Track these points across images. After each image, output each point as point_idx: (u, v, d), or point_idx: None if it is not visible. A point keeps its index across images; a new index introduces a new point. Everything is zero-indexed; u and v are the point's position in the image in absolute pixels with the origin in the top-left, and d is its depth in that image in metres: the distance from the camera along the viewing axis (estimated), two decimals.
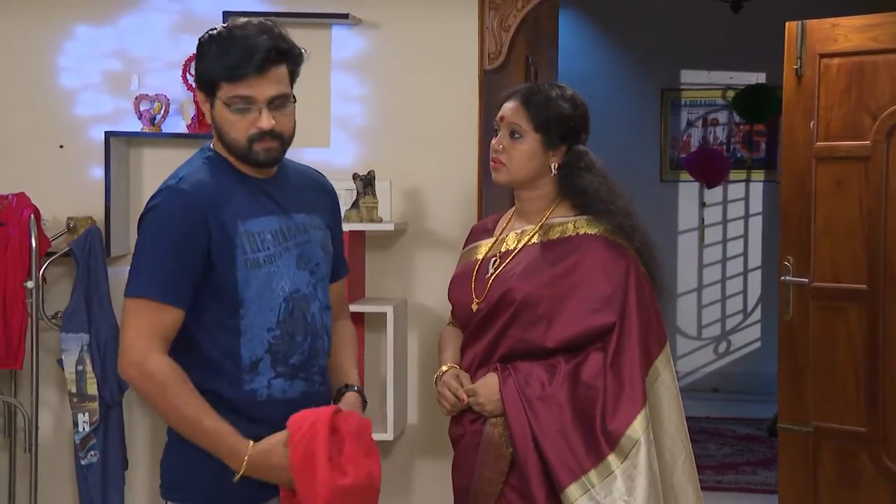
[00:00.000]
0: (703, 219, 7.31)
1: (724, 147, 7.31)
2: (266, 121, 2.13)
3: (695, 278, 7.35)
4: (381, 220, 3.36)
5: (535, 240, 2.53)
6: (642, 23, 7.02)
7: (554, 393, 2.36)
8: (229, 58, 2.11)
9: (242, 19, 2.21)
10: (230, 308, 2.15)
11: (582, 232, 2.48)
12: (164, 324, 2.11)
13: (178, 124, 3.62)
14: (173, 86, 3.60)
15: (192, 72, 2.23)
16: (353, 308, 3.34)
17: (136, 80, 3.64)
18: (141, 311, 2.12)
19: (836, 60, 4.04)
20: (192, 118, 3.57)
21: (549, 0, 3.48)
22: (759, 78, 6.96)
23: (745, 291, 7.34)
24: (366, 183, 3.36)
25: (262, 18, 2.22)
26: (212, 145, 2.26)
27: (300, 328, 2.21)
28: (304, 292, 2.22)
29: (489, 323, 2.49)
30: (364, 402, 2.34)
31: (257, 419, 2.15)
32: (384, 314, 3.33)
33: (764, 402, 6.48)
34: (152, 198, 2.20)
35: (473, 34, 3.47)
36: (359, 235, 3.42)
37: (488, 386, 2.43)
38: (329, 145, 3.55)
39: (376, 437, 3.27)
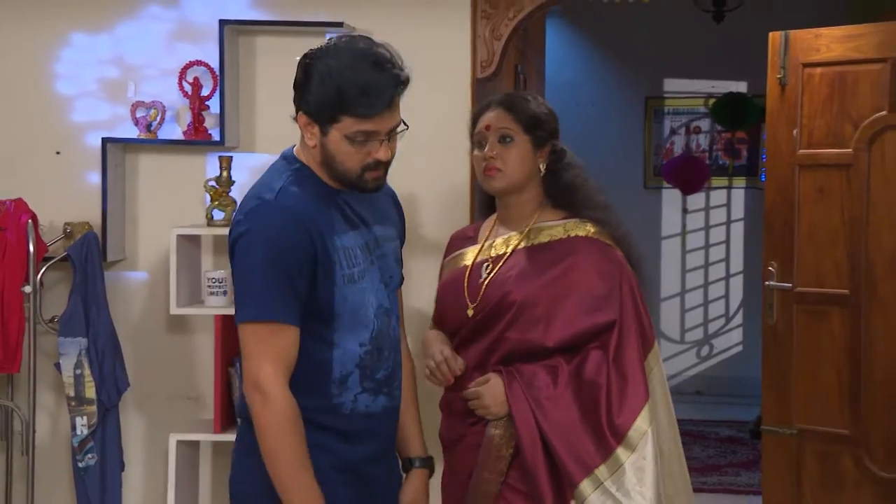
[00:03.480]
0: (685, 225, 7.40)
1: (707, 154, 7.39)
2: (384, 152, 2.09)
3: (678, 283, 7.43)
4: None
5: (525, 244, 2.57)
6: (627, 32, 7.09)
7: (560, 392, 2.41)
8: (358, 93, 2.02)
9: (346, 38, 2.11)
10: (324, 322, 2.10)
11: (573, 234, 2.55)
12: (286, 346, 2.06)
13: (174, 131, 3.66)
14: (169, 93, 3.64)
15: (298, 92, 2.11)
16: None
17: (132, 87, 3.68)
18: (260, 334, 2.05)
19: (818, 70, 4.11)
20: (188, 125, 3.61)
21: (539, 9, 3.53)
22: (740, 87, 7.05)
23: (727, 296, 7.43)
24: None
25: (367, 38, 2.12)
26: (294, 152, 2.18)
27: (386, 343, 2.20)
28: (386, 306, 2.20)
29: (486, 326, 2.53)
30: (431, 472, 2.35)
31: (340, 431, 2.14)
32: None
33: (746, 405, 6.57)
34: (247, 214, 2.09)
35: (466, 43, 3.52)
36: None
37: (493, 388, 2.46)
38: None
39: None
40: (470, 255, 2.65)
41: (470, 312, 2.54)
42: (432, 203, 3.57)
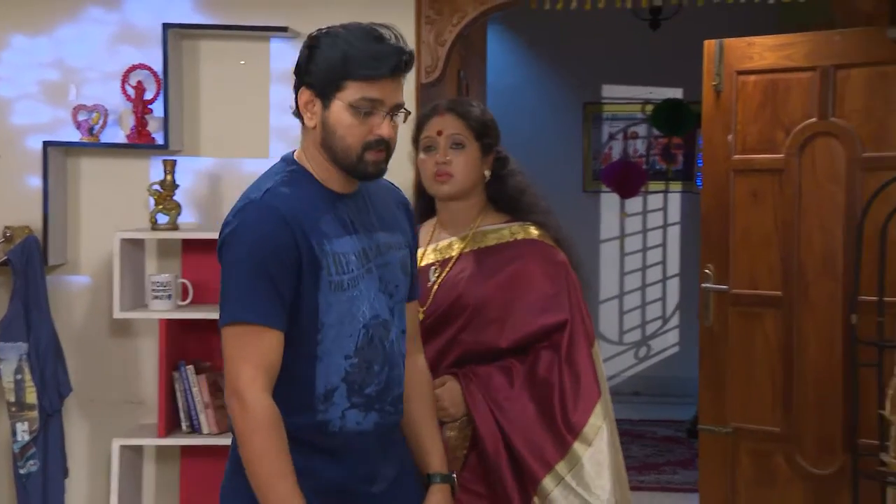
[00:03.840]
0: (624, 228, 7.51)
1: (644, 159, 7.51)
2: (387, 128, 1.99)
3: (616, 285, 7.53)
4: None
5: (471, 247, 2.60)
6: (566, 39, 7.17)
7: (517, 392, 2.45)
8: (364, 56, 1.96)
9: (353, 23, 2.06)
10: (308, 332, 1.99)
11: (519, 237, 2.59)
12: (266, 350, 1.94)
13: (116, 134, 3.64)
14: (112, 96, 3.63)
15: (301, 69, 2.03)
16: None
17: (73, 90, 3.66)
18: (240, 337, 1.95)
19: (752, 77, 4.22)
20: (132, 128, 3.60)
21: (483, 16, 3.58)
22: (676, 93, 7.18)
23: (664, 298, 7.55)
24: None
25: (371, 23, 2.06)
26: (295, 156, 2.09)
27: (378, 357, 2.05)
28: (383, 318, 2.06)
29: (438, 329, 2.54)
30: (453, 490, 2.23)
31: (327, 450, 2.03)
32: None
33: (683, 405, 6.70)
34: (234, 213, 2.00)
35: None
36: None
37: (451, 391, 2.47)
38: (269, 156, 3.60)
39: None
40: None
41: (420, 316, 2.53)
42: None
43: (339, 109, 1.98)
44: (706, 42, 4.28)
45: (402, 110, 2.05)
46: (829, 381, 3.88)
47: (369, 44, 1.98)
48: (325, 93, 1.99)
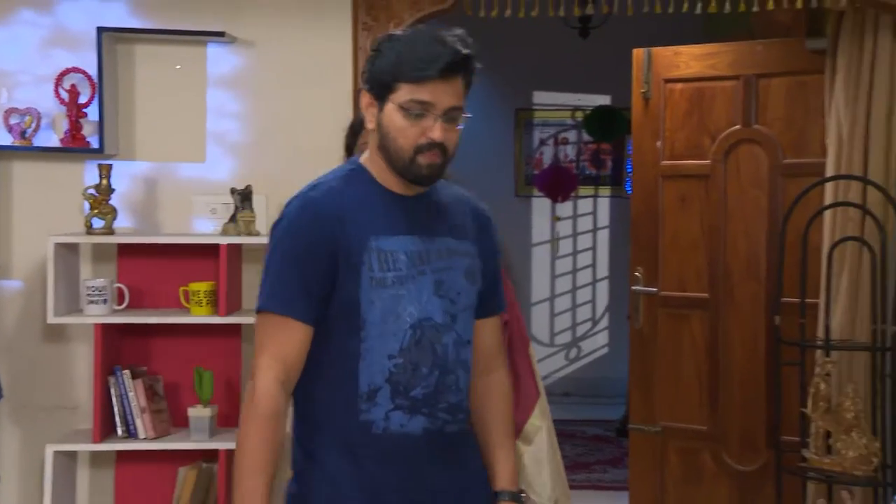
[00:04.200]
0: (555, 232, 7.62)
1: (574, 164, 7.64)
2: (438, 131, 1.96)
3: (547, 288, 7.64)
4: (258, 234, 3.45)
5: None
6: (498, 46, 7.21)
7: None
8: (414, 58, 1.95)
9: (422, 26, 2.07)
10: (352, 329, 1.98)
11: None
12: (286, 341, 1.96)
13: (50, 138, 3.61)
14: (45, 100, 3.59)
15: (365, 71, 2.04)
16: (232, 320, 3.43)
17: (5, 93, 3.62)
18: (265, 326, 1.98)
19: (679, 85, 4.33)
20: (66, 132, 3.57)
21: (418, 22, 3.62)
22: (605, 100, 7.31)
23: (593, 300, 7.67)
24: (243, 197, 3.44)
25: (442, 26, 2.03)
26: (360, 159, 2.09)
27: (426, 359, 2.00)
28: (436, 321, 2.01)
29: None
30: None
31: (371, 455, 1.99)
32: None
33: (612, 405, 6.82)
34: (286, 206, 2.05)
35: (347, 54, 3.58)
36: (236, 248, 3.49)
37: None
38: (205, 160, 3.61)
39: None
40: None
41: None
42: None
43: (391, 111, 1.97)
44: (635, 51, 4.38)
45: (462, 114, 2.01)
46: (753, 381, 4.00)
47: (425, 46, 1.96)
48: (380, 94, 1.99)
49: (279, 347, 1.96)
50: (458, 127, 2.01)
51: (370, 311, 1.97)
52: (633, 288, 4.25)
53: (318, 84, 3.59)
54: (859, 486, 3.45)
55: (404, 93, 1.95)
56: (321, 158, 3.58)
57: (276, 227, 2.02)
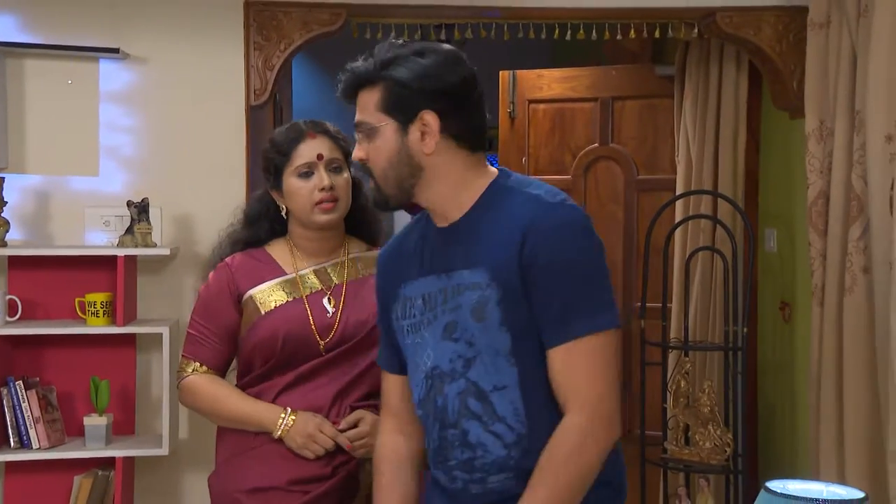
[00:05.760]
0: None
1: None
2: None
3: None
4: (154, 245, 3.52)
5: (353, 275, 2.48)
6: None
7: None
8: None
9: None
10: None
11: None
12: (387, 393, 2.05)
13: None
14: None
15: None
16: (128, 329, 3.48)
17: None
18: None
19: (542, 106, 4.66)
20: None
21: (307, 43, 3.77)
22: None
23: None
24: (140, 210, 3.50)
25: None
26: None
27: (430, 412, 1.88)
28: (441, 369, 1.84)
29: (342, 362, 2.42)
30: None
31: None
32: (160, 335, 3.46)
33: None
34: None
35: (240, 72, 3.67)
36: (132, 260, 3.55)
37: (376, 424, 2.24)
38: (98, 174, 3.62)
39: (153, 452, 3.45)
40: (287, 288, 2.45)
41: (322, 347, 2.41)
42: (208, 223, 3.54)
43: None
44: (501, 72, 4.67)
45: (371, 126, 1.90)
46: None
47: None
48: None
49: (385, 399, 2.07)
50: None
51: (407, 361, 1.95)
52: None
53: (211, 100, 3.66)
54: (714, 474, 3.82)
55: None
56: (215, 172, 3.70)
57: None
